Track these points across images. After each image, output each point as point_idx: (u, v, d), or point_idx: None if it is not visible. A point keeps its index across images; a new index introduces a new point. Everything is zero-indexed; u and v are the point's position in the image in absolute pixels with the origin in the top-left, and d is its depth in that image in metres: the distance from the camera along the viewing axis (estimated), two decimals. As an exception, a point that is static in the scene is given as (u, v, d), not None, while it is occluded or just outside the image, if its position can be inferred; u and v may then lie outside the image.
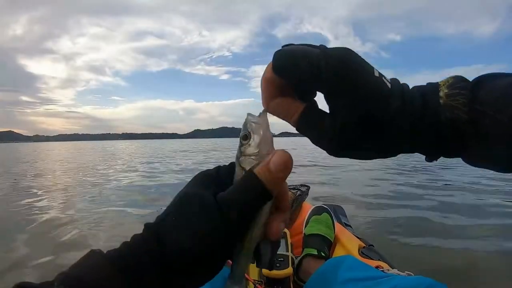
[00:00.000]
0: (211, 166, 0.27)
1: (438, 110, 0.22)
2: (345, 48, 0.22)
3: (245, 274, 0.74)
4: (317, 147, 0.26)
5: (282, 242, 0.82)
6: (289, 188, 0.57)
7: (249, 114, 0.25)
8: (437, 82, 0.24)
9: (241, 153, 0.24)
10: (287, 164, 0.22)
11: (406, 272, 0.66)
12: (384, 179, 4.33)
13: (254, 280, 0.73)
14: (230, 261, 0.25)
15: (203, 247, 0.21)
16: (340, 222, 1.09)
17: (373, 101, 0.22)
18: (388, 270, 0.70)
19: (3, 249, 1.96)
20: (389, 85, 0.23)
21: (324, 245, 0.87)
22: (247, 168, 0.23)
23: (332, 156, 0.26)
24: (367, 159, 0.26)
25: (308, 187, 1.01)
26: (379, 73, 0.23)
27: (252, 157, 0.23)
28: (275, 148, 0.24)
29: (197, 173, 0.26)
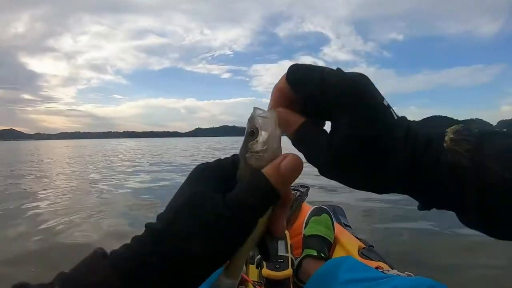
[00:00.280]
0: None
1: (440, 151, 0.22)
2: (361, 73, 0.23)
3: (244, 275, 0.74)
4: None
5: (282, 243, 0.81)
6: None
7: (256, 108, 0.24)
8: (445, 129, 0.23)
9: (247, 149, 0.23)
10: (298, 168, 0.22)
11: (406, 272, 0.66)
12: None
13: (254, 281, 0.73)
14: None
15: (216, 251, 0.22)
16: (339, 222, 1.09)
17: (377, 125, 0.22)
18: (388, 270, 0.70)
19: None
20: (395, 116, 0.24)
21: (324, 246, 0.87)
22: (254, 165, 0.23)
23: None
24: (356, 186, 0.25)
25: (308, 188, 1.01)
26: (388, 104, 0.24)
27: (260, 153, 0.23)
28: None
29: (197, 166, 0.25)
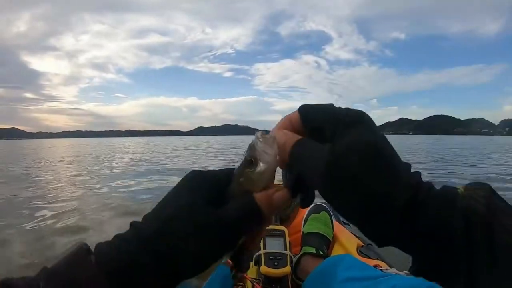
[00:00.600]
0: None
1: (454, 197, 0.21)
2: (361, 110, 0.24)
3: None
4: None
5: (281, 240, 0.82)
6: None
7: (258, 136, 0.25)
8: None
9: (242, 174, 0.25)
10: (286, 202, 0.25)
11: (404, 271, 0.66)
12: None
13: (252, 278, 0.73)
14: (229, 261, 0.27)
15: (204, 258, 0.23)
16: (338, 220, 1.09)
17: (381, 137, 0.22)
18: (386, 269, 0.70)
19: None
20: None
21: (323, 243, 0.87)
22: (247, 188, 0.24)
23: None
24: (350, 216, 0.24)
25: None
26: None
27: (254, 182, 0.24)
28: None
29: (191, 172, 0.26)
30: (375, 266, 0.71)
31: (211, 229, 0.22)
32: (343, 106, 0.25)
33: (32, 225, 2.56)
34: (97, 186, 4.49)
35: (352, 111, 0.24)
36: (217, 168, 0.27)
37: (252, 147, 0.24)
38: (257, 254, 0.77)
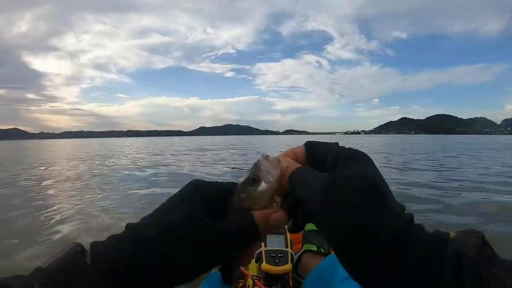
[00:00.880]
0: None
1: (446, 241, 0.21)
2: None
3: (244, 270, 0.74)
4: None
5: (282, 238, 0.82)
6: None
7: (264, 158, 0.26)
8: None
9: (244, 190, 0.26)
10: (283, 224, 0.26)
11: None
12: (386, 178, 4.31)
13: (253, 275, 0.74)
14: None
15: (198, 266, 0.24)
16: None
17: (382, 182, 0.23)
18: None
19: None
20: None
21: (324, 241, 0.87)
22: (246, 204, 0.26)
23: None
24: (337, 243, 0.24)
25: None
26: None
27: (255, 199, 0.25)
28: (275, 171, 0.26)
29: (192, 181, 0.27)
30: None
31: (208, 239, 0.23)
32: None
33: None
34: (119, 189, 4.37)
35: (354, 149, 0.26)
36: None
37: (257, 166, 0.26)
38: (258, 251, 0.77)
